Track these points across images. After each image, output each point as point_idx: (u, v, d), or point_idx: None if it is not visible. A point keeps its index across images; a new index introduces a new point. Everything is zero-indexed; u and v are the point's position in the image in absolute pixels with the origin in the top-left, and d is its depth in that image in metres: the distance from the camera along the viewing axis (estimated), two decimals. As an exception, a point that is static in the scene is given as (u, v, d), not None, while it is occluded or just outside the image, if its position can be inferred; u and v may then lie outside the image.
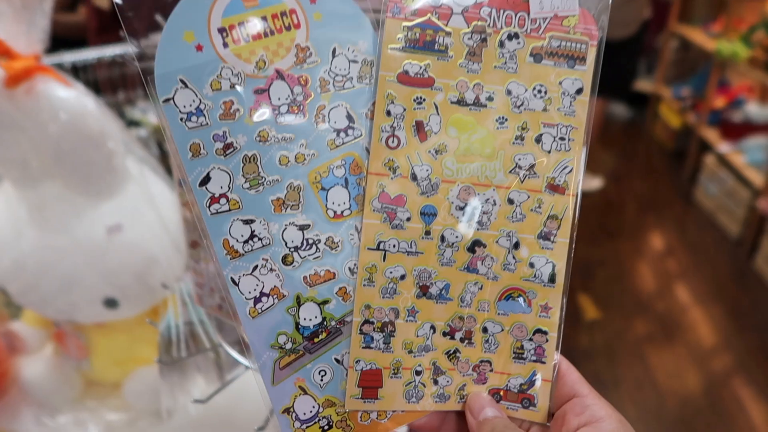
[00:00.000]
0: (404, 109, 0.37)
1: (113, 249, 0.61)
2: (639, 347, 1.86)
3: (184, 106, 0.35)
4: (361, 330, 0.38)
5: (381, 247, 0.37)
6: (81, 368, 0.71)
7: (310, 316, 0.37)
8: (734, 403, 1.66)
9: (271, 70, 0.36)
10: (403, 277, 0.38)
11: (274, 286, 0.37)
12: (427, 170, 0.38)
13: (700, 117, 2.86)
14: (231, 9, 0.36)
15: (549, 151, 0.38)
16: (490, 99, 0.37)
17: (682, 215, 2.68)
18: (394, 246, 0.38)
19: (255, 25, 0.36)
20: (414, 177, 0.37)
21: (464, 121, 0.38)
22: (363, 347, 0.38)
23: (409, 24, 0.37)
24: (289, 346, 0.37)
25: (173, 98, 0.35)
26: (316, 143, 0.37)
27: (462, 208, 0.38)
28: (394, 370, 0.38)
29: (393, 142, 0.37)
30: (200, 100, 0.35)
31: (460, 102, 0.37)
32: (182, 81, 0.35)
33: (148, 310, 0.68)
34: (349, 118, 0.37)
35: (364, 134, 0.38)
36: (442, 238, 0.38)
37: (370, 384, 0.38)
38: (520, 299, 0.39)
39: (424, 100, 0.37)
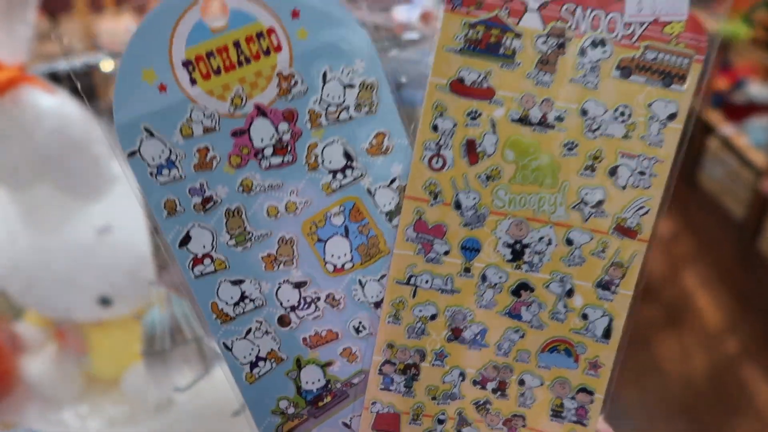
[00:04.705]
0: (454, 125, 0.31)
1: (104, 249, 0.64)
2: (643, 331, 1.87)
3: (153, 159, 0.31)
4: (380, 370, 0.34)
5: (412, 281, 0.33)
6: (82, 365, 0.74)
7: (312, 379, 0.34)
8: (737, 385, 1.66)
9: (250, 107, 0.31)
10: (433, 317, 0.33)
11: (271, 350, 0.33)
12: (474, 199, 0.32)
13: (703, 100, 2.84)
14: (195, 36, 0.30)
15: (624, 187, 0.32)
16: (559, 119, 0.31)
17: (686, 199, 2.67)
18: (426, 282, 0.33)
19: (226, 54, 0.30)
20: (458, 205, 0.32)
21: (525, 143, 0.32)
22: (381, 389, 0.34)
23: (472, 20, 0.30)
24: (291, 411, 0.34)
25: (139, 150, 0.31)
26: (308, 189, 0.32)
27: (510, 246, 0.33)
28: (413, 416, 0.34)
29: (437, 162, 0.32)
30: (170, 150, 0.31)
31: (523, 120, 0.31)
32: (147, 130, 0.31)
33: (142, 306, 0.70)
34: (347, 155, 0.32)
35: (365, 174, 0.32)
36: (484, 278, 0.33)
37: (386, 428, 0.34)
38: (566, 353, 0.34)
39: (480, 114, 0.31)
